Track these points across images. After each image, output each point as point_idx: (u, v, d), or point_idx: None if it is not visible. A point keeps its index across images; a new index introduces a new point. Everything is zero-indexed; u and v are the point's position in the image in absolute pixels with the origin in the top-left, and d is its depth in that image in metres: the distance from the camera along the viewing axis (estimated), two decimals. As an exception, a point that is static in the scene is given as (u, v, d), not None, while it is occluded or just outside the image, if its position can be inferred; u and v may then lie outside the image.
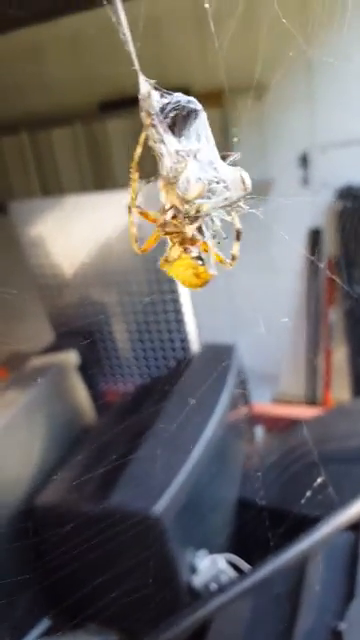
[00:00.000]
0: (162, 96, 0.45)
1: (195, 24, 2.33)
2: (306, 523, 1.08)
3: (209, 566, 1.18)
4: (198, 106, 0.46)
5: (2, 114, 3.02)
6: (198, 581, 1.15)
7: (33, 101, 2.93)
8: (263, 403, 2.61)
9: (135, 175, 0.48)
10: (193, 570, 1.18)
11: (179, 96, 0.45)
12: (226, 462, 1.49)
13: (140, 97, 0.44)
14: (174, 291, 1.70)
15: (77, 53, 2.71)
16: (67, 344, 1.81)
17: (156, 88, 0.45)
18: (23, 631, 1.24)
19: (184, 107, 0.45)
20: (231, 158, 0.48)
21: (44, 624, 1.27)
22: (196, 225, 0.47)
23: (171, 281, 1.67)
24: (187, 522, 1.18)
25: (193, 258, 0.49)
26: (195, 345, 1.79)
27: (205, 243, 0.49)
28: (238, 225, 0.52)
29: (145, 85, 0.44)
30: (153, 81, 0.45)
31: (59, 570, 0.94)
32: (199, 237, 0.48)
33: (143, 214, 0.50)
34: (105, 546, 0.93)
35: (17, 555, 0.92)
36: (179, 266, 0.50)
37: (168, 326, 1.78)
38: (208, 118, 0.47)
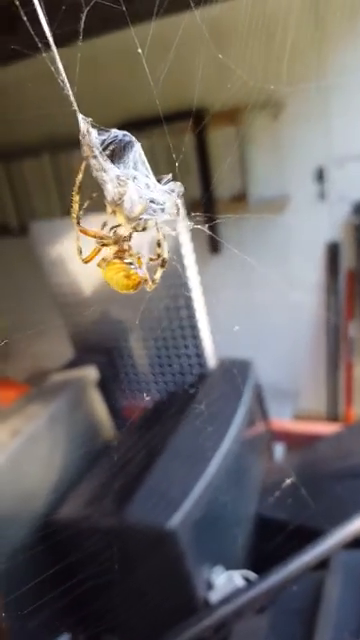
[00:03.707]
0: (99, 133, 0.51)
1: (211, 43, 2.38)
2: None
3: (225, 582, 1.18)
4: (132, 138, 0.52)
5: (24, 137, 3.11)
6: (214, 597, 1.15)
7: (53, 123, 3.01)
8: (283, 419, 2.59)
9: (76, 197, 0.56)
10: (209, 586, 1.18)
11: (115, 131, 0.51)
12: (243, 478, 1.49)
13: (80, 135, 0.50)
14: (191, 307, 1.72)
15: (97, 75, 2.78)
16: (87, 360, 1.84)
17: (94, 126, 0.50)
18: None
19: (121, 140, 0.51)
20: (165, 179, 0.54)
21: (63, 639, 1.27)
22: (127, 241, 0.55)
23: (188, 297, 1.69)
24: (203, 537, 1.18)
25: (125, 263, 0.56)
26: (212, 360, 1.80)
27: (139, 258, 0.55)
28: (165, 255, 0.58)
29: (84, 123, 0.50)
30: (90, 119, 0.50)
31: (77, 584, 0.95)
32: (134, 251, 0.55)
33: (83, 231, 0.57)
34: (122, 560, 0.94)
35: (35, 568, 0.94)
36: (111, 270, 0.56)
37: (185, 342, 1.79)
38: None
